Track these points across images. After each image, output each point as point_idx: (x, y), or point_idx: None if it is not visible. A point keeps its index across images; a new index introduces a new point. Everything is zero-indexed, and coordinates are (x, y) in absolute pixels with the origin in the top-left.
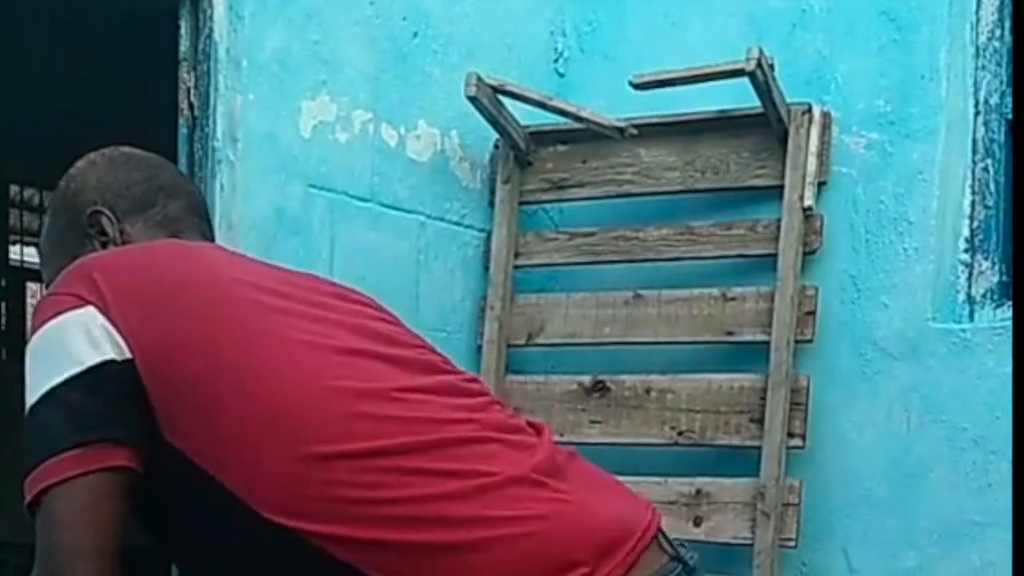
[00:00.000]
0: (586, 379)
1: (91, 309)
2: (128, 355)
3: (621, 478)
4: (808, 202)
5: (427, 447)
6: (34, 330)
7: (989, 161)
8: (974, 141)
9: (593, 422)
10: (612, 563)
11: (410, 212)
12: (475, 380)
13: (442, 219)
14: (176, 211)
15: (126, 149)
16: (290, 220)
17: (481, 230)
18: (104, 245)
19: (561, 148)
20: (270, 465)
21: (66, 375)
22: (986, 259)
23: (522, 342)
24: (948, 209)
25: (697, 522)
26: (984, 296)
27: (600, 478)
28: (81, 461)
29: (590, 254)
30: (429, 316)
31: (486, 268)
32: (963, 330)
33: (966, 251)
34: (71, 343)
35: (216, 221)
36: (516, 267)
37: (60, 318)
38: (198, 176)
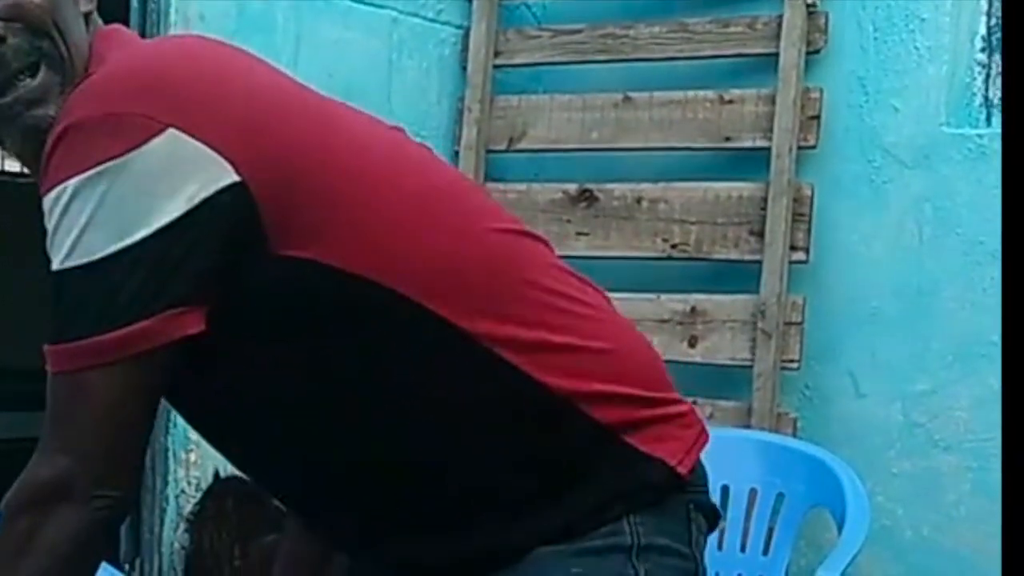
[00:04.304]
0: (572, 187)
1: (172, 132)
2: (234, 176)
3: (610, 294)
4: None
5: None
6: (89, 162)
7: None
8: None
9: (579, 234)
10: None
11: (381, 7)
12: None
13: (416, 15)
14: None
15: None
16: (251, 16)
17: (458, 27)
18: None
19: None
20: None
21: (156, 226)
22: None
23: (502, 147)
24: (963, 5)
25: (692, 342)
26: (1001, 96)
27: None
28: (145, 336)
29: (576, 53)
30: (402, 119)
31: (464, 68)
32: (980, 136)
33: (983, 50)
34: (153, 185)
35: (171, 18)
36: (496, 67)
37: (137, 151)
38: None
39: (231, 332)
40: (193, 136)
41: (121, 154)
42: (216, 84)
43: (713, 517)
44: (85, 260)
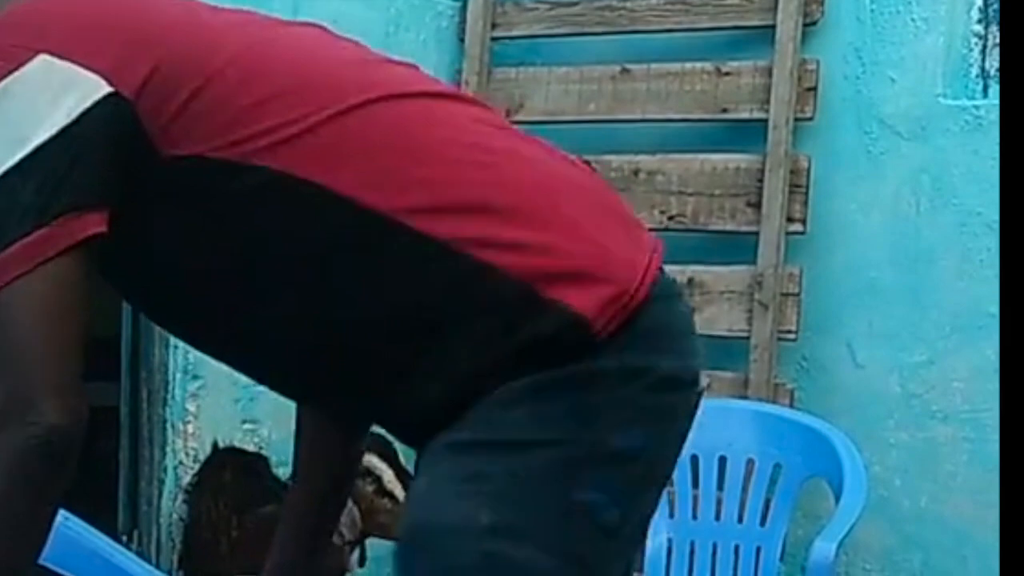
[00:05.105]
0: None
1: (44, 57)
2: (107, 88)
3: None
4: None
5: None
6: None
7: None
8: None
9: None
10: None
11: None
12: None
13: None
14: None
15: None
16: None
17: None
18: None
19: None
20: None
21: (39, 140)
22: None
23: None
24: None
25: None
26: (999, 70)
27: None
28: (47, 242)
29: (573, 25)
30: None
31: (461, 40)
32: (976, 107)
33: (979, 21)
34: (30, 106)
35: None
36: (494, 39)
37: (10, 77)
38: None
39: (136, 228)
40: (64, 59)
41: None
42: (85, 9)
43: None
44: None
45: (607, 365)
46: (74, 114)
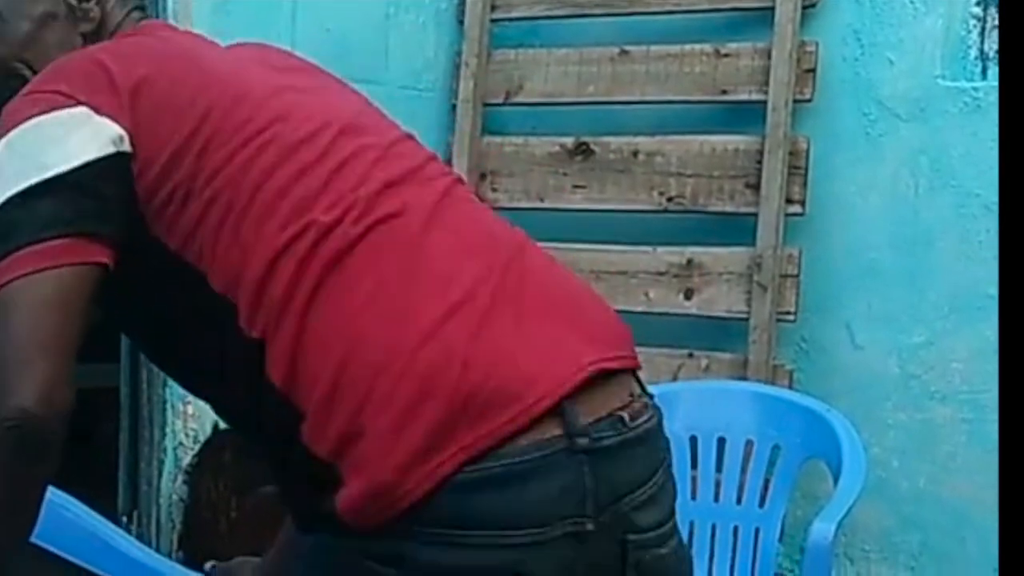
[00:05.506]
0: (568, 141)
1: (84, 109)
2: (128, 148)
3: (607, 247)
4: None
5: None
6: (11, 125)
7: None
8: None
9: (576, 187)
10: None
11: None
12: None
13: None
14: None
15: None
16: None
17: None
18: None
19: None
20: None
21: (61, 168)
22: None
23: (500, 101)
24: None
25: (688, 294)
26: (998, 52)
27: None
28: (62, 252)
29: (573, 6)
30: (399, 73)
31: (460, 21)
32: (975, 89)
33: (978, 3)
34: (66, 138)
35: None
36: (493, 20)
37: (52, 114)
38: None
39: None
40: (104, 115)
41: (41, 113)
42: (131, 72)
43: None
44: (11, 192)
45: (370, 548)
46: (102, 153)
